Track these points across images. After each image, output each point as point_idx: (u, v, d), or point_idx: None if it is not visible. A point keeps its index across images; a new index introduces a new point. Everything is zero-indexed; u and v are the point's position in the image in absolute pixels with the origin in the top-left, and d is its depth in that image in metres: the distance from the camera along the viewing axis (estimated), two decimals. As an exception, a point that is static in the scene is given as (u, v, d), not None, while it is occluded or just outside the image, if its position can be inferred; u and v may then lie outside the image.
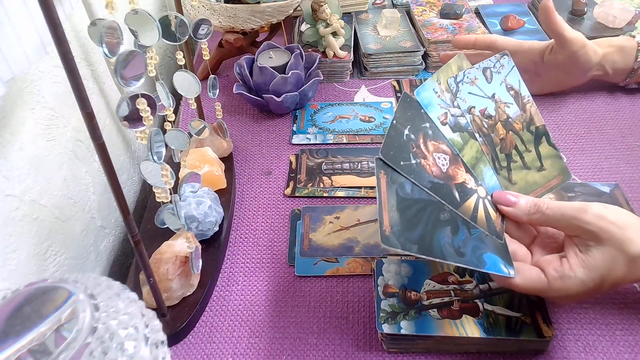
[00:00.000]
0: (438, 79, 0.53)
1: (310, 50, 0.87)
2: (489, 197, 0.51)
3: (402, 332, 0.48)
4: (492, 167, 0.53)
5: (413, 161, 0.47)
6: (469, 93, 0.54)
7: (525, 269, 0.45)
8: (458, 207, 0.48)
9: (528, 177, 0.54)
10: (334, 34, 0.85)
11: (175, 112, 0.83)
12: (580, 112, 0.76)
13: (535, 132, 0.55)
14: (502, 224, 0.50)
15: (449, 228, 0.46)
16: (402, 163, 0.46)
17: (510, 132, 0.55)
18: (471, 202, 0.49)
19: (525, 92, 0.56)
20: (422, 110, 0.52)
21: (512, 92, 0.55)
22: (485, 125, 0.54)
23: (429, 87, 0.53)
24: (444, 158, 0.50)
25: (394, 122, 0.48)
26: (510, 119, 0.55)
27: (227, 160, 0.70)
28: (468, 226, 0.47)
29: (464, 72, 0.54)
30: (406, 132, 0.48)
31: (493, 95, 0.55)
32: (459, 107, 0.53)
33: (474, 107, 0.54)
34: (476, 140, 0.53)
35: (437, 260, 0.43)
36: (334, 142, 0.75)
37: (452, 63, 0.54)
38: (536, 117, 0.56)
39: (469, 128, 0.53)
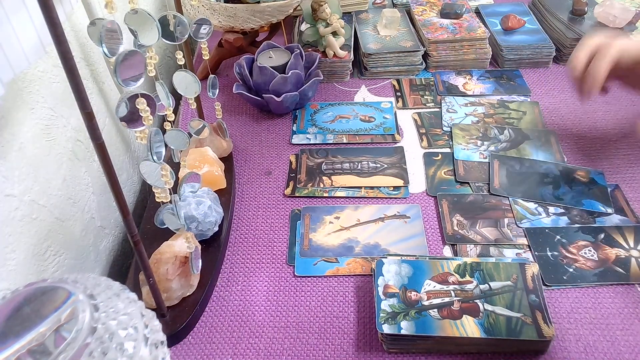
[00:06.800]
0: None
1: (310, 50, 0.86)
2: None
3: (402, 332, 0.48)
4: None
5: None
6: None
7: None
8: None
9: None
10: (334, 33, 0.84)
11: (175, 112, 0.82)
12: (580, 113, 0.76)
13: None
14: None
15: (550, 186, 0.64)
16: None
17: None
18: None
19: None
20: None
21: None
22: None
23: None
24: None
25: None
26: None
27: (227, 160, 0.70)
28: (571, 185, 0.64)
29: None
30: None
31: None
32: None
33: None
34: None
35: (537, 201, 0.62)
36: (334, 142, 0.74)
37: None
38: None
39: None
